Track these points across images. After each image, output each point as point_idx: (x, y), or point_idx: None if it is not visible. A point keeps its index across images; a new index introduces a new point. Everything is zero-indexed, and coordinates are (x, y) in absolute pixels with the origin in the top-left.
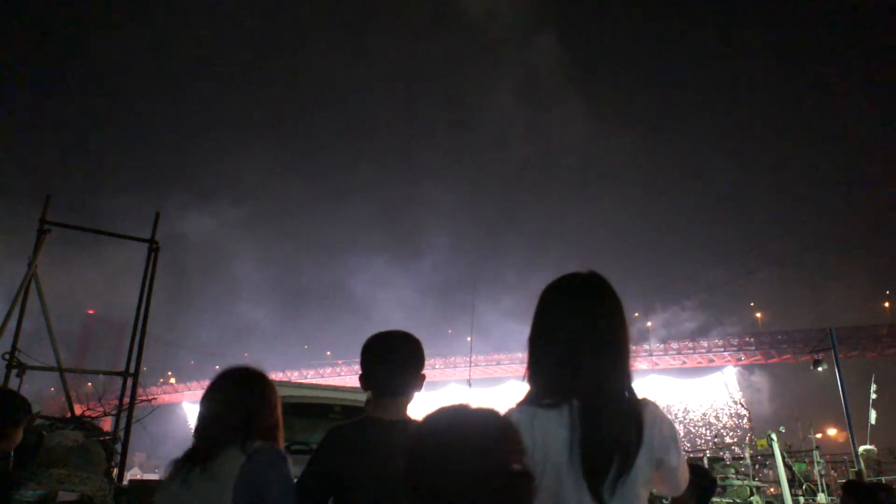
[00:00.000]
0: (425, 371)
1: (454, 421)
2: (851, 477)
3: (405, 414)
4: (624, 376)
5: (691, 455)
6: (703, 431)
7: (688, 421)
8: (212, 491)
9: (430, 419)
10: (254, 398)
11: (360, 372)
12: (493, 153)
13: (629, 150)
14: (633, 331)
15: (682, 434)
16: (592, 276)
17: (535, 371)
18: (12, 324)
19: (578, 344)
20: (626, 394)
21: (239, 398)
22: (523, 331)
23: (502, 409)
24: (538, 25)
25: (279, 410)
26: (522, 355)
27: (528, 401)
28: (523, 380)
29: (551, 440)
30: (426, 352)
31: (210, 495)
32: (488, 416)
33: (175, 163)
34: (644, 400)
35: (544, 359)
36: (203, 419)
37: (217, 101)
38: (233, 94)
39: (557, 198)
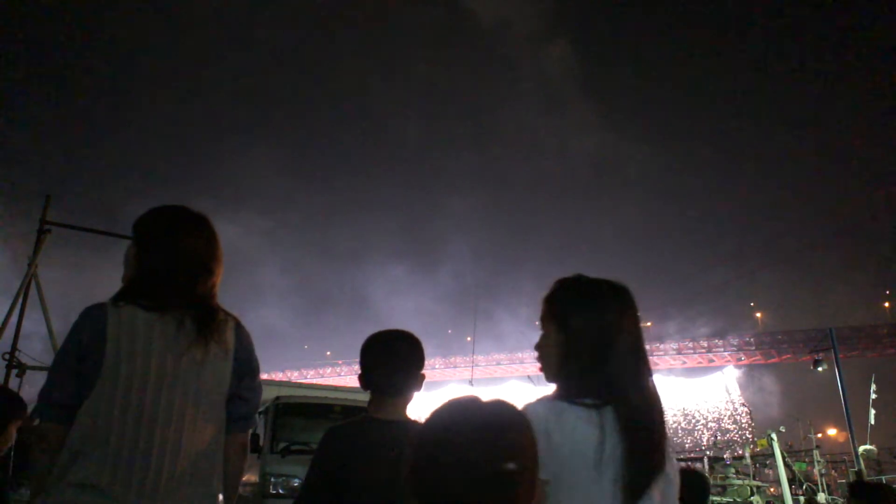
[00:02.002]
0: (426, 371)
1: (455, 415)
2: (852, 477)
3: (404, 413)
4: (651, 378)
5: (692, 455)
6: (704, 431)
7: (688, 421)
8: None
9: (436, 412)
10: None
11: (360, 372)
12: (510, 163)
13: (633, 154)
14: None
15: (682, 434)
16: (616, 282)
17: (569, 371)
18: (13, 324)
19: (632, 354)
20: (655, 393)
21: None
22: (536, 335)
23: (518, 404)
24: (552, 35)
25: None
26: (522, 355)
27: (558, 396)
28: (552, 379)
29: (580, 437)
30: (448, 357)
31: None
32: (492, 410)
33: (198, 171)
34: None
35: (579, 359)
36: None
37: (242, 111)
38: (257, 106)
39: (573, 206)
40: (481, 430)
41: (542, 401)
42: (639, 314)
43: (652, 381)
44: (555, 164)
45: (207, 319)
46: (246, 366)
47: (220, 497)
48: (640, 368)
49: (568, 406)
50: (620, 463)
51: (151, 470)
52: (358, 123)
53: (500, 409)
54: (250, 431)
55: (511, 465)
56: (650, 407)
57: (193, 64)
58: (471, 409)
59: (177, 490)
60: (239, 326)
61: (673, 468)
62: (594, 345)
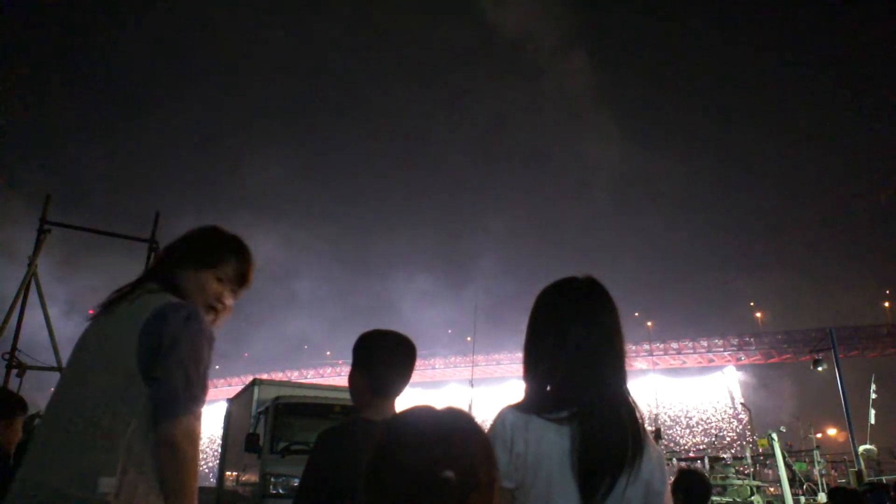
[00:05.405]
0: (427, 371)
1: (405, 421)
2: (852, 477)
3: (394, 413)
4: (624, 382)
5: (692, 455)
6: (704, 431)
7: (689, 421)
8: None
9: (392, 418)
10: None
11: (351, 370)
12: (533, 173)
13: (651, 163)
14: (632, 330)
15: (682, 434)
16: (593, 282)
17: (538, 379)
18: (13, 324)
19: (585, 352)
20: (627, 401)
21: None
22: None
23: (479, 414)
24: (573, 48)
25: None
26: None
27: (528, 408)
28: (524, 379)
29: (546, 447)
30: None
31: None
32: (440, 418)
33: (208, 177)
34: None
35: (549, 367)
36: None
37: (267, 121)
38: (284, 114)
39: (590, 214)
40: (424, 437)
41: (513, 409)
42: (614, 313)
43: (623, 386)
44: (575, 175)
45: (126, 287)
46: (155, 339)
47: (104, 486)
48: (610, 374)
49: (536, 418)
50: (584, 473)
51: (41, 437)
52: (383, 135)
53: (448, 418)
54: (180, 424)
55: (448, 474)
56: (618, 415)
57: (218, 72)
58: (421, 417)
59: (49, 466)
60: (172, 304)
61: (651, 473)
62: (564, 354)
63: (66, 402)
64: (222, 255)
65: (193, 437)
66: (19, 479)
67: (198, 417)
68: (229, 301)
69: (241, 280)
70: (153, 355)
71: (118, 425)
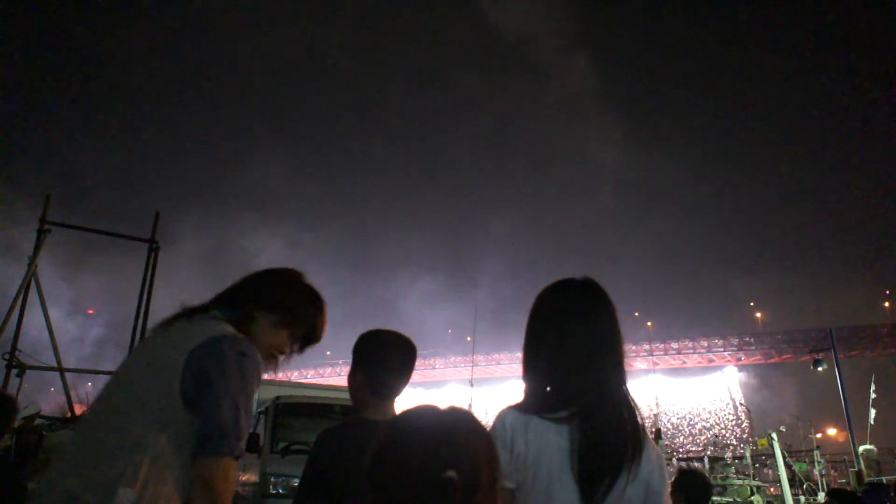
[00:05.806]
0: (427, 371)
1: (407, 421)
2: (852, 477)
3: (392, 413)
4: (624, 382)
5: (692, 455)
6: (704, 431)
7: (688, 421)
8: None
9: (394, 418)
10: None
11: (351, 370)
12: (535, 176)
13: (655, 166)
14: (631, 330)
15: (681, 434)
16: (590, 282)
17: (538, 379)
18: (12, 324)
19: (584, 352)
20: (626, 399)
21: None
22: None
23: (479, 414)
24: (575, 50)
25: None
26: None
27: (528, 408)
28: (523, 379)
29: (545, 446)
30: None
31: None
32: (442, 418)
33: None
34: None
35: (549, 367)
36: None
37: (267, 121)
38: (302, 123)
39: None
40: (427, 437)
41: (513, 409)
42: (612, 312)
43: (624, 387)
44: (578, 176)
45: (194, 307)
46: (202, 365)
47: (121, 496)
48: (609, 373)
49: (536, 418)
50: (584, 473)
51: (76, 440)
52: (386, 136)
53: (451, 418)
54: (219, 463)
55: (451, 474)
56: (618, 415)
57: (221, 73)
58: (423, 417)
59: (64, 479)
60: (230, 336)
61: (650, 473)
62: (563, 353)
63: (103, 409)
64: (304, 318)
65: (229, 477)
66: (43, 479)
67: (238, 457)
68: (287, 352)
69: (308, 341)
70: (196, 380)
71: (147, 438)
